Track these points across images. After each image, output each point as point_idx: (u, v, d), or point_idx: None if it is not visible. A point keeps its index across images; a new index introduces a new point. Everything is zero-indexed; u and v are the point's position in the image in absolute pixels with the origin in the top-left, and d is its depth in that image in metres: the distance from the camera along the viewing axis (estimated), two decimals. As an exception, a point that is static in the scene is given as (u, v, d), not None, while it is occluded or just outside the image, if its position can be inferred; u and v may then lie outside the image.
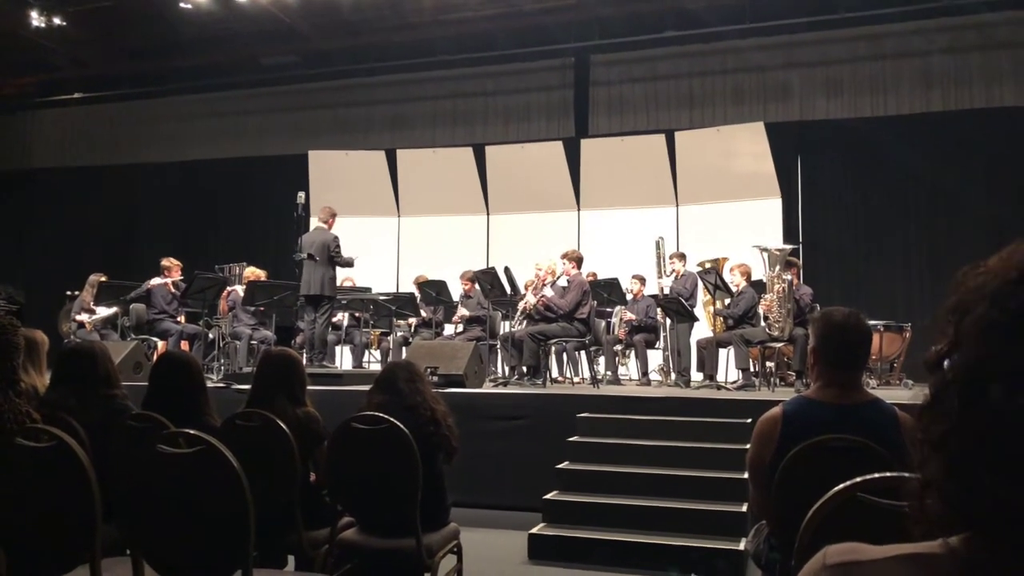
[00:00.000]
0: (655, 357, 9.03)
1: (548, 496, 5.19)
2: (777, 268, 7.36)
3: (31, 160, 15.36)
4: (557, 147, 11.41)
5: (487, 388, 7.15)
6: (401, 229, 12.07)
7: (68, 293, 10.32)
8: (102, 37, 13.12)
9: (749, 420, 5.28)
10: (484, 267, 9.22)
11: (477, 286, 9.00)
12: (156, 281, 8.90)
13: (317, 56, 13.25)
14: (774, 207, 10.33)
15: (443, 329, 9.57)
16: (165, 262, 9.06)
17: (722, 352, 8.04)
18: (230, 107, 14.17)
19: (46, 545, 2.32)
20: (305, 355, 7.85)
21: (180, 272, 9.08)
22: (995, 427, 0.64)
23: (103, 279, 9.18)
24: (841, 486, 1.59)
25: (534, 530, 4.92)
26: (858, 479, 1.58)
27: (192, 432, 2.26)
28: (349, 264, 8.34)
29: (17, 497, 2.33)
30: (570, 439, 5.70)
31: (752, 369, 7.84)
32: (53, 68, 14.10)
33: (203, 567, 2.23)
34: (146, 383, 3.37)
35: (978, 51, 10.76)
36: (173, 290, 8.91)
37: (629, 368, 9.47)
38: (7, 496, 2.34)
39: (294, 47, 13.08)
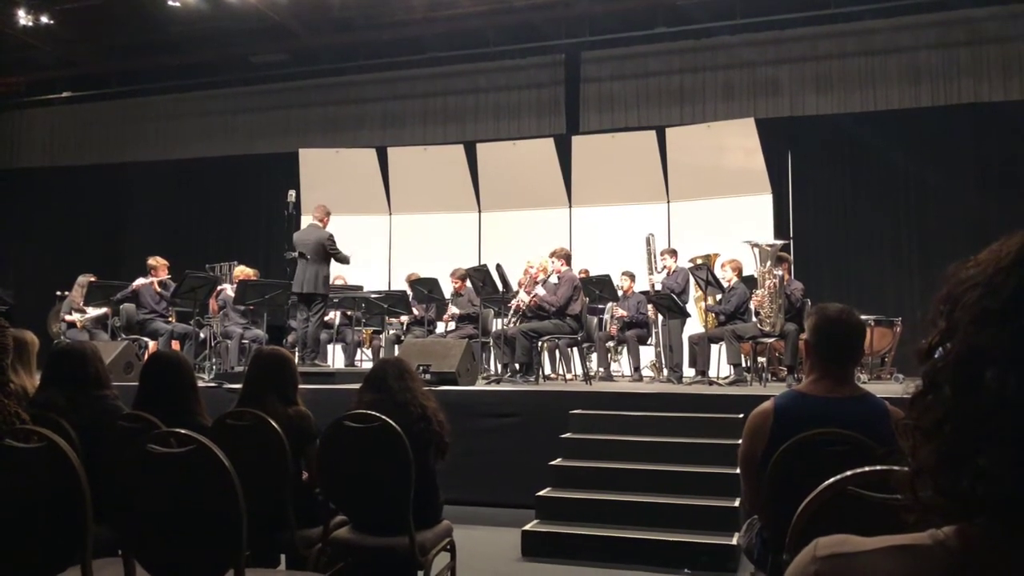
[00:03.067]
0: (647, 353, 9.05)
1: (541, 493, 5.19)
2: (768, 263, 7.38)
3: (19, 160, 15.27)
4: (548, 144, 11.41)
5: (480, 385, 7.15)
6: (392, 227, 12.05)
7: (58, 293, 10.28)
8: (90, 36, 13.04)
9: (741, 415, 5.29)
10: (476, 264, 9.22)
11: (468, 284, 9.00)
12: (141, 281, 8.86)
13: (307, 54, 13.21)
14: (765, 203, 10.36)
15: (435, 327, 9.57)
16: (151, 261, 9.02)
17: (714, 348, 8.06)
18: (219, 106, 14.11)
19: (36, 546, 2.31)
20: (297, 354, 7.83)
21: (167, 271, 9.04)
22: (990, 412, 0.64)
23: (92, 279, 9.14)
24: (832, 480, 1.60)
25: (527, 527, 4.92)
26: (849, 473, 1.59)
27: (183, 431, 2.26)
28: (346, 261, 8.33)
29: (7, 498, 2.32)
30: (563, 436, 5.70)
31: (744, 364, 7.86)
32: (41, 67, 14.01)
33: (195, 567, 2.23)
34: (137, 383, 3.36)
35: (966, 46, 10.81)
36: (159, 289, 8.86)
37: (621, 364, 9.49)
38: (-3, 497, 2.32)
39: (284, 45, 13.03)
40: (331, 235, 8.18)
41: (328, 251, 8.08)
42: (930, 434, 0.69)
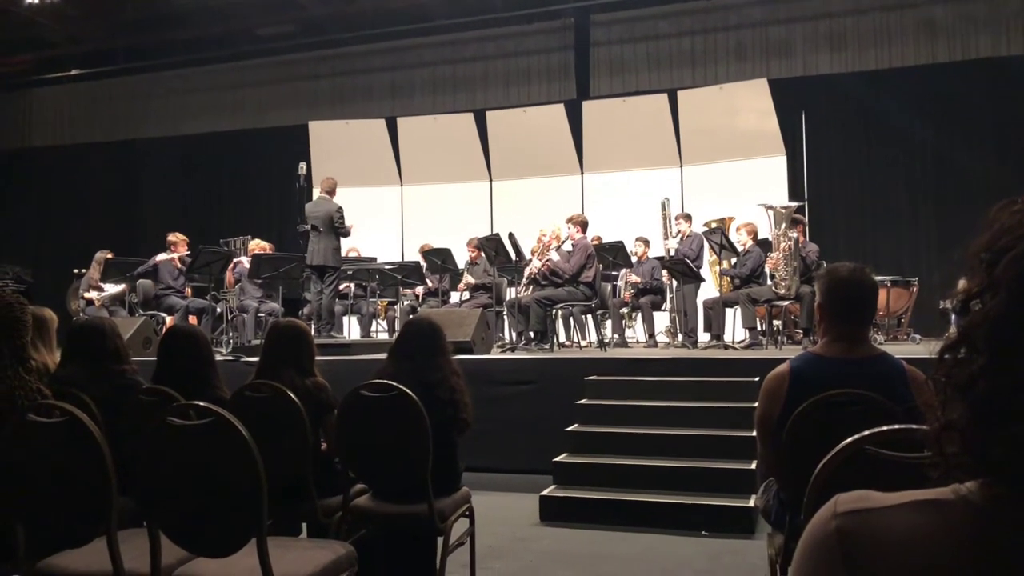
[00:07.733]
0: (661, 319, 9.03)
1: (558, 458, 5.23)
2: (783, 226, 7.32)
3: (31, 139, 15.31)
4: (559, 110, 11.31)
5: (495, 354, 7.17)
6: (404, 198, 12.03)
7: (75, 271, 10.35)
8: (96, 12, 12.98)
9: (757, 378, 5.29)
10: (488, 234, 9.20)
11: (483, 252, 8.99)
12: (162, 256, 8.92)
13: (313, 25, 13.11)
14: (779, 164, 10.26)
15: (449, 297, 9.58)
16: (171, 237, 9.06)
17: (729, 312, 8.03)
18: (228, 80, 14.06)
19: (63, 519, 2.35)
20: (312, 326, 7.87)
21: (187, 247, 9.09)
22: None
23: (109, 256, 9.20)
24: (849, 440, 1.59)
25: (545, 492, 4.97)
26: (866, 432, 1.58)
27: (202, 404, 2.27)
28: (346, 234, 8.38)
29: (32, 473, 2.35)
30: (579, 402, 5.73)
31: (759, 328, 7.84)
32: (48, 45, 13.98)
33: (218, 536, 2.26)
34: (155, 358, 3.38)
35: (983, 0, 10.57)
36: (179, 265, 8.92)
37: (636, 330, 9.49)
38: (22, 472, 2.36)
39: (290, 16, 12.93)
40: (340, 208, 8.18)
41: (335, 224, 8.11)
42: (963, 390, 0.66)
